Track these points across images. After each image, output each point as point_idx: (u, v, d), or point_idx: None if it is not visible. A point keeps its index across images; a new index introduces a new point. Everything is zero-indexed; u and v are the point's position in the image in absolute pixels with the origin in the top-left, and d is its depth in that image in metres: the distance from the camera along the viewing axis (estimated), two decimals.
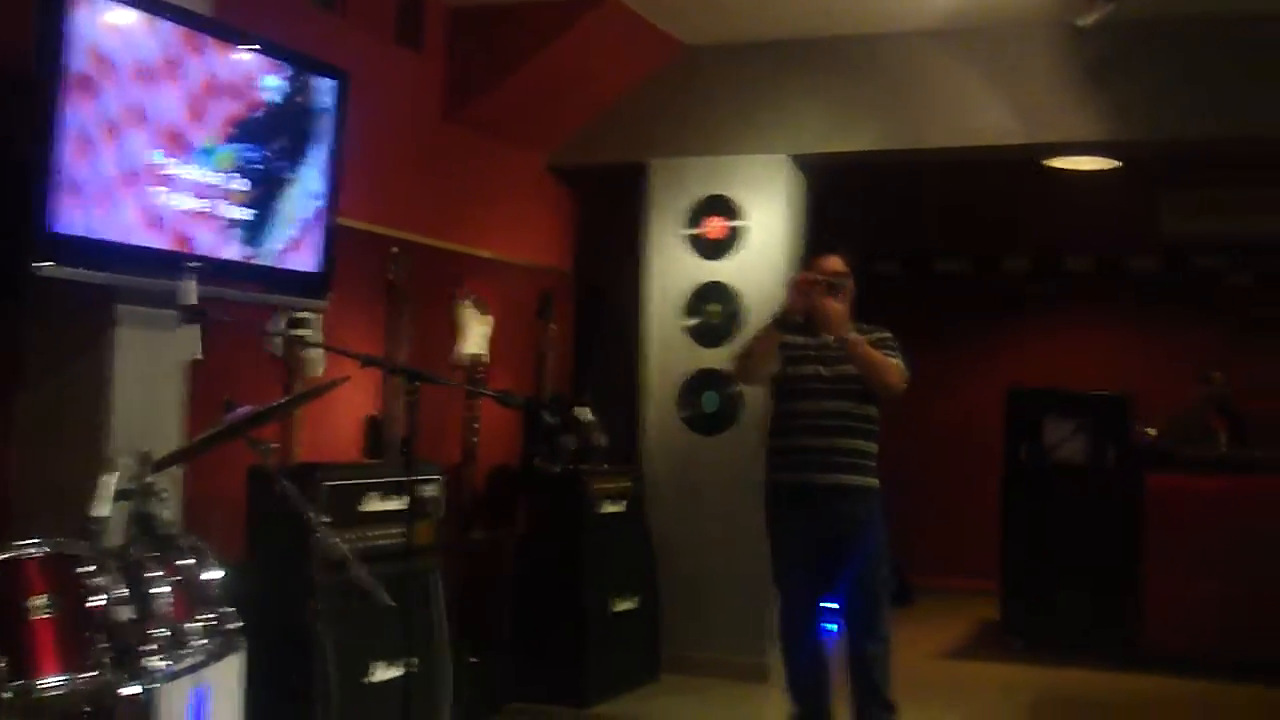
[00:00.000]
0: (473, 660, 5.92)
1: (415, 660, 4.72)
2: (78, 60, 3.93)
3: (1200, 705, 7.09)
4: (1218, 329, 10.09)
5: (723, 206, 7.42)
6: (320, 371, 5.49)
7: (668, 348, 7.48)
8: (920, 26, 6.98)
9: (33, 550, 3.23)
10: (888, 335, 5.48)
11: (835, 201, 7.64)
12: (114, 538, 3.68)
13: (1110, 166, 8.49)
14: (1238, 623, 7.49)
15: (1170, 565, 7.76)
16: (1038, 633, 8.34)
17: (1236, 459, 8.35)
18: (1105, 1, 6.07)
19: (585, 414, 7.18)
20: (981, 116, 7.00)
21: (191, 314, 4.38)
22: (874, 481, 5.44)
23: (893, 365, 5.37)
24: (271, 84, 4.78)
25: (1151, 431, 8.81)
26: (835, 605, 5.62)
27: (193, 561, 3.70)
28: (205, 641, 3.61)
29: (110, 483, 3.65)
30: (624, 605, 6.95)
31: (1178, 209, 9.86)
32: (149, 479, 3.78)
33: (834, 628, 5.79)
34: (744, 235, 7.39)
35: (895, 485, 5.70)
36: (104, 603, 3.26)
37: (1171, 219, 9.91)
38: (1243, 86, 6.65)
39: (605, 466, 7.11)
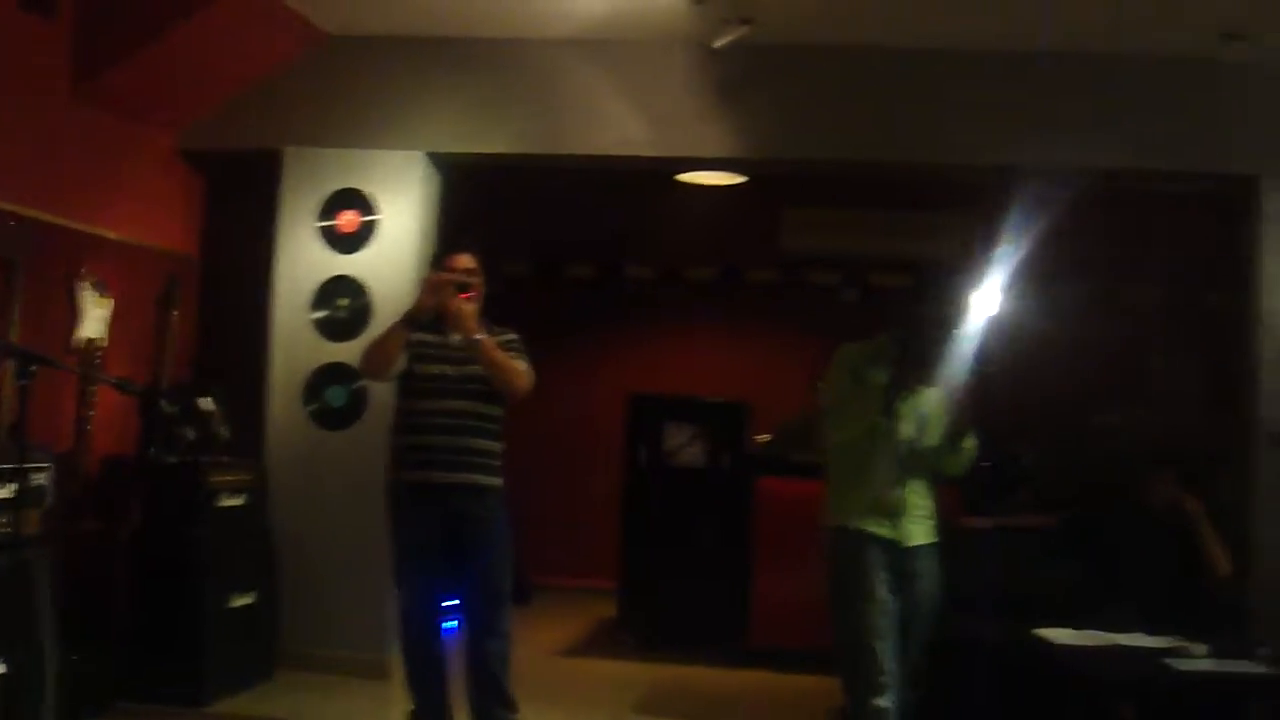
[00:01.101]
0: (76, 657, 5.67)
1: (14, 657, 4.51)
2: None
3: (794, 697, 7.46)
4: (830, 342, 10.56)
5: (356, 200, 7.34)
6: None
7: (295, 340, 7.36)
8: (562, 34, 7.10)
9: None
10: (515, 337, 5.56)
11: (470, 201, 7.67)
12: None
13: (736, 182, 8.83)
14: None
15: (775, 566, 8.11)
16: (653, 631, 8.61)
17: None
18: (738, 24, 6.32)
19: (207, 404, 6.98)
20: (617, 127, 7.18)
21: None
22: (497, 481, 5.50)
23: (519, 368, 5.45)
24: None
25: (764, 438, 9.19)
26: (456, 602, 5.67)
27: None
28: None
29: None
30: (242, 601, 6.78)
31: (797, 226, 10.29)
32: None
33: (454, 625, 5.83)
34: (377, 230, 7.33)
35: (519, 485, 5.78)
36: None
37: (791, 236, 10.34)
38: (862, 113, 7.08)
39: (226, 459, 6.93)
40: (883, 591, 4.71)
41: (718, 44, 6.42)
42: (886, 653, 4.65)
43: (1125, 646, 5.36)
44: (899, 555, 4.78)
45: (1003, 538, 7.42)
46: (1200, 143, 6.90)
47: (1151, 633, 5.48)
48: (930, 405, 4.82)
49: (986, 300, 4.86)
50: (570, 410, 10.98)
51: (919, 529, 4.85)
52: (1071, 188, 6.99)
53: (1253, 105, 6.87)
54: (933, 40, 6.56)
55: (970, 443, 4.87)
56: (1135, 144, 6.91)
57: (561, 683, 7.52)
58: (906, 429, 4.78)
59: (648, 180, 8.80)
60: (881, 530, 4.77)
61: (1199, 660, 5.10)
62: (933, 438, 4.85)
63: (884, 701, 4.62)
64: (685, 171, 8.56)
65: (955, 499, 8.07)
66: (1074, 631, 5.54)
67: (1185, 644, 5.21)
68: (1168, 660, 5.08)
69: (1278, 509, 6.71)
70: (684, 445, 8.86)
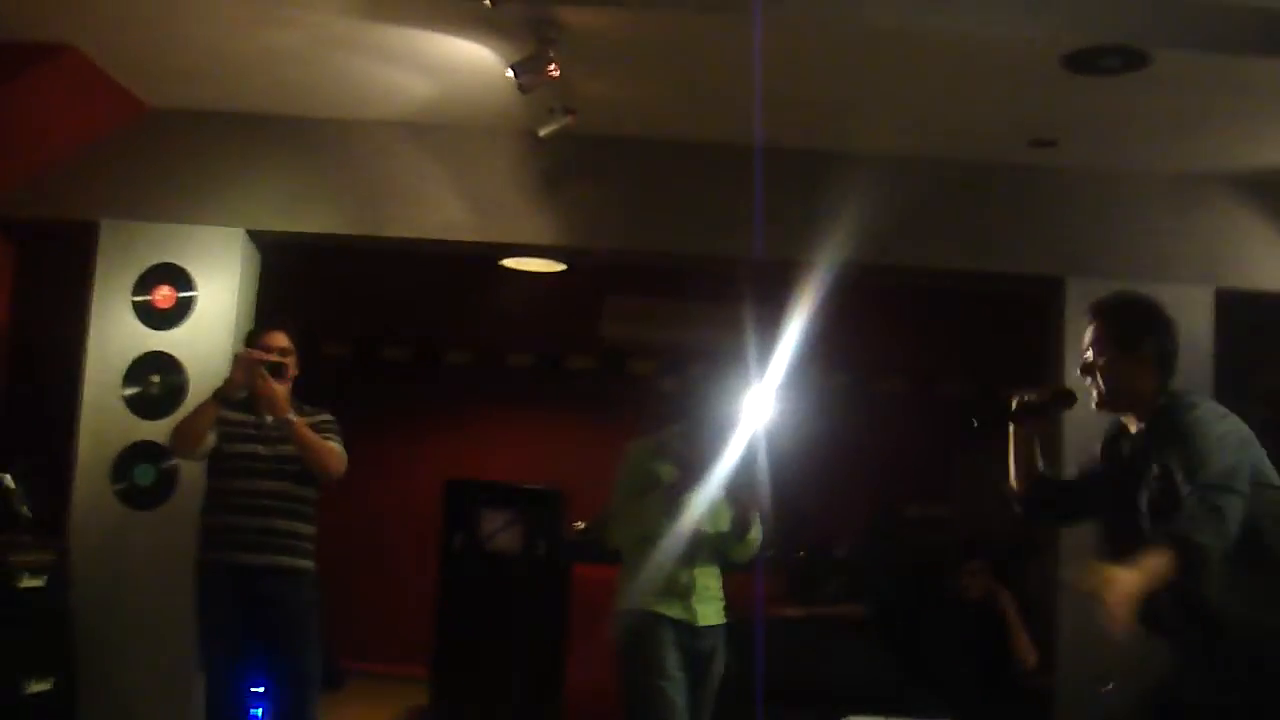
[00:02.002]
0: None
1: None
2: None
3: None
4: (648, 429, 10.63)
5: (173, 275, 7.20)
6: None
7: (105, 416, 7.15)
8: (388, 116, 7.10)
9: None
10: (329, 418, 5.51)
11: (290, 280, 7.59)
12: None
13: (558, 269, 8.89)
14: None
15: (589, 653, 8.07)
16: (465, 717, 8.50)
17: None
18: (563, 113, 6.39)
19: (7, 481, 6.76)
20: (441, 211, 7.20)
21: None
22: (308, 564, 5.43)
23: (332, 449, 5.40)
24: None
25: (581, 525, 9.19)
26: (263, 688, 5.55)
27: None
28: None
29: None
30: (38, 687, 6.53)
31: (617, 315, 10.38)
32: None
33: (261, 712, 5.70)
34: (193, 306, 7.20)
35: (331, 568, 5.70)
36: None
37: (610, 324, 10.42)
38: (682, 206, 7.21)
39: (27, 538, 6.69)
40: (674, 669, 4.84)
41: (543, 132, 6.48)
42: None
43: None
44: (690, 635, 4.91)
45: (815, 627, 7.52)
46: (1010, 245, 7.18)
47: None
48: (717, 494, 4.94)
49: (769, 394, 5.10)
50: (387, 494, 10.87)
51: (709, 609, 4.99)
52: (874, 283, 7.22)
53: (1059, 209, 7.17)
54: (745, 137, 6.72)
55: (756, 532, 5.02)
56: (948, 244, 7.17)
57: None
58: (694, 518, 4.91)
59: (470, 265, 8.82)
60: (672, 611, 4.90)
61: None
62: (720, 525, 4.99)
63: None
64: (507, 257, 8.59)
65: (759, 588, 8.18)
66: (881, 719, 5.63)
67: None
68: None
69: (1080, 602, 6.88)
70: (500, 531, 8.82)
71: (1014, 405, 4.05)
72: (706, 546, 5.00)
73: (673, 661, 4.86)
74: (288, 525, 5.37)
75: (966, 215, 7.21)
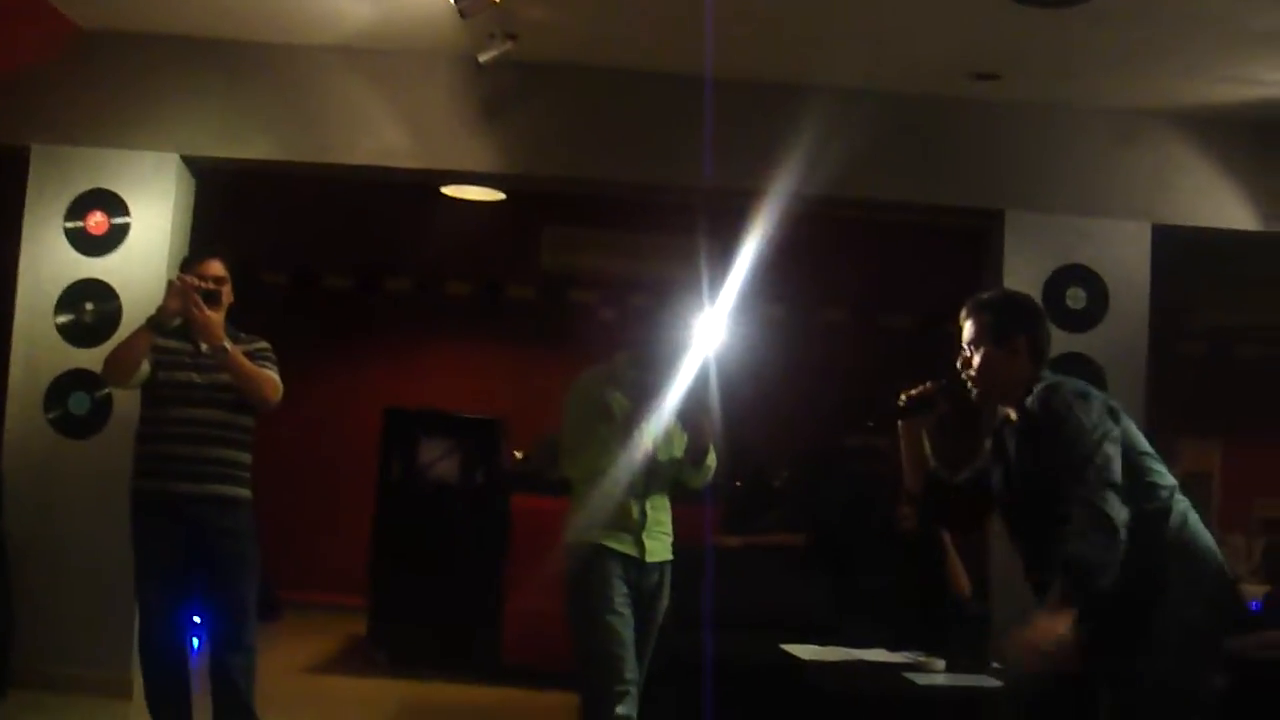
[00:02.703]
0: None
1: None
2: None
3: (545, 713, 7.47)
4: (588, 359, 10.63)
5: (106, 201, 7.09)
6: None
7: (37, 345, 7.05)
8: (327, 41, 7.00)
9: None
10: (265, 346, 5.45)
11: (227, 207, 7.50)
12: None
13: (498, 198, 8.84)
14: None
15: (529, 583, 8.10)
16: (404, 647, 8.50)
17: None
18: (504, 39, 6.33)
19: None
20: (379, 137, 7.12)
21: None
22: (245, 492, 5.38)
23: (267, 377, 5.34)
24: None
25: (520, 455, 9.19)
26: (199, 618, 5.52)
27: None
28: None
29: None
30: None
31: (556, 245, 10.35)
32: None
33: (197, 641, 5.68)
34: (127, 233, 7.10)
35: (268, 497, 5.67)
36: None
37: (550, 254, 10.39)
38: (622, 134, 7.17)
39: None
40: (622, 603, 4.85)
41: (483, 58, 6.41)
42: (627, 662, 4.80)
43: (867, 662, 5.52)
44: (638, 570, 4.93)
45: (753, 556, 7.57)
46: (952, 178, 7.21)
47: (893, 649, 5.67)
48: (670, 422, 4.95)
49: (719, 324, 5.09)
50: (325, 423, 10.82)
51: (658, 545, 5.00)
52: (820, 215, 7.22)
53: (1001, 142, 7.20)
54: (690, 67, 6.67)
55: (712, 458, 5.04)
56: (893, 177, 7.18)
57: (311, 701, 7.39)
58: (647, 446, 4.91)
59: (410, 193, 8.75)
60: (622, 546, 4.91)
61: (936, 675, 5.29)
62: (674, 452, 5.02)
63: (624, 709, 4.75)
64: (447, 185, 8.53)
65: (707, 518, 8.22)
66: (819, 648, 5.69)
67: (925, 659, 5.40)
68: (907, 675, 5.25)
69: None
70: (439, 460, 8.80)
71: (900, 401, 4.12)
72: (661, 475, 5.00)
73: (621, 596, 4.86)
74: (224, 453, 5.31)
75: (911, 148, 7.22)
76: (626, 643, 4.82)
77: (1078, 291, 7.11)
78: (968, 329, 4.00)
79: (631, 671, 4.80)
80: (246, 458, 5.40)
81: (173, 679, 5.38)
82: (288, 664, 8.16)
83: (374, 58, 7.10)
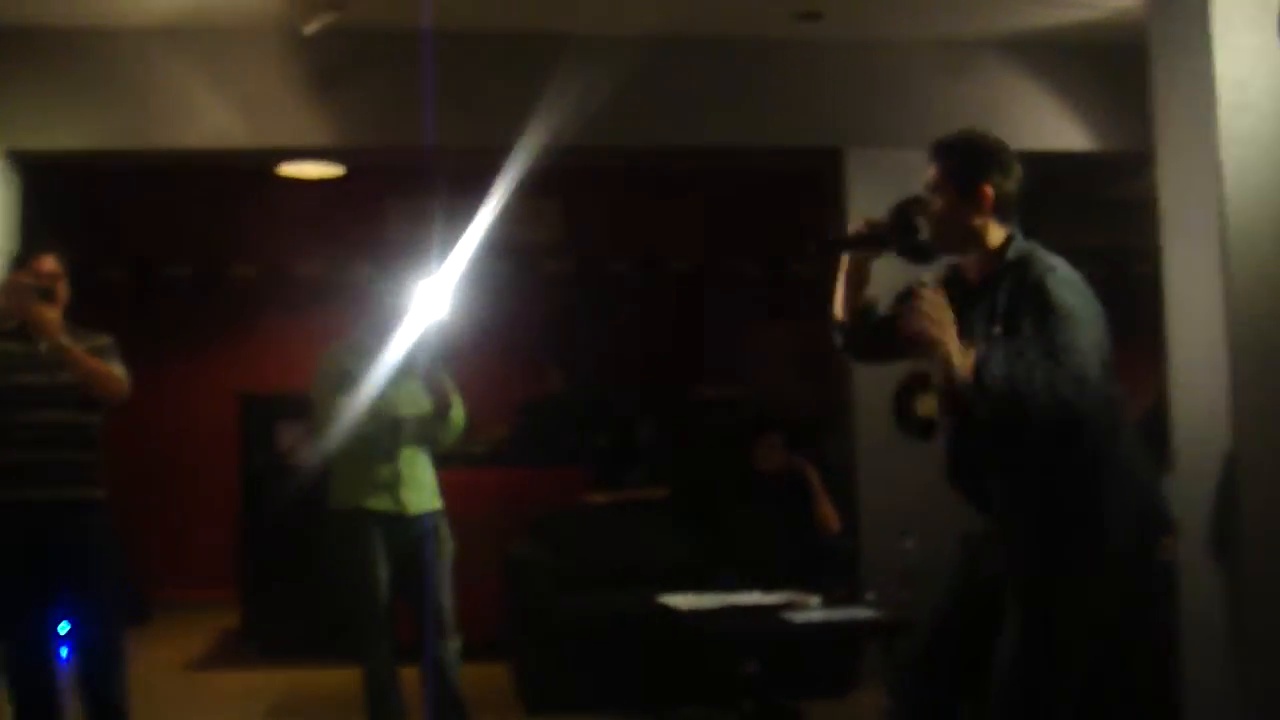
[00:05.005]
0: None
1: None
2: None
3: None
4: None
5: None
6: None
7: None
8: (145, 24, 6.79)
9: None
10: (106, 341, 5.30)
11: (59, 203, 7.28)
12: None
13: (337, 174, 8.70)
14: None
15: None
16: (277, 637, 8.39)
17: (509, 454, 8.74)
18: (328, 10, 6.21)
19: None
20: (209, 118, 6.93)
21: None
22: (100, 493, 5.24)
23: (111, 372, 5.21)
24: None
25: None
26: (66, 629, 5.39)
27: None
28: None
29: None
30: None
31: (403, 215, 10.24)
32: None
33: (65, 651, 5.54)
34: None
35: (128, 497, 5.55)
36: None
37: (398, 226, 10.28)
38: (466, 98, 7.03)
39: None
40: (381, 568, 5.22)
41: (308, 30, 6.29)
42: (384, 616, 5.24)
43: (743, 605, 5.58)
44: (401, 525, 5.25)
45: (623, 511, 7.60)
46: (784, 119, 7.23)
47: (768, 590, 5.73)
48: (410, 381, 5.28)
49: (448, 285, 5.41)
50: (180, 416, 10.60)
51: (419, 496, 5.33)
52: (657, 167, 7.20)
53: (832, 81, 7.24)
54: (523, 25, 6.61)
55: (458, 412, 5.35)
56: (720, 122, 7.18)
57: (189, 698, 7.29)
58: (394, 407, 5.24)
59: (247, 176, 8.60)
60: (381, 504, 5.23)
61: (813, 611, 5.36)
62: (421, 408, 5.30)
63: (383, 654, 5.28)
64: (282, 162, 8.38)
65: (576, 476, 8.23)
66: (695, 596, 5.74)
67: (799, 597, 5.47)
68: (784, 614, 5.32)
69: (878, 468, 7.07)
70: (299, 443, 8.66)
71: (851, 231, 3.96)
72: (410, 432, 5.28)
73: (381, 559, 5.19)
74: (75, 456, 5.16)
75: (736, 92, 7.20)
76: (382, 599, 5.22)
77: (921, 224, 7.17)
78: (930, 173, 3.73)
79: (387, 622, 5.24)
80: (96, 458, 5.26)
81: (41, 694, 5.22)
82: (163, 663, 8.02)
83: (197, 37, 6.89)
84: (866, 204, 7.13)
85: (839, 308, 3.97)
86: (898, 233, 3.77)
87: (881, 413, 7.03)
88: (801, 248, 8.15)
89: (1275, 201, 4.41)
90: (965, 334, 3.42)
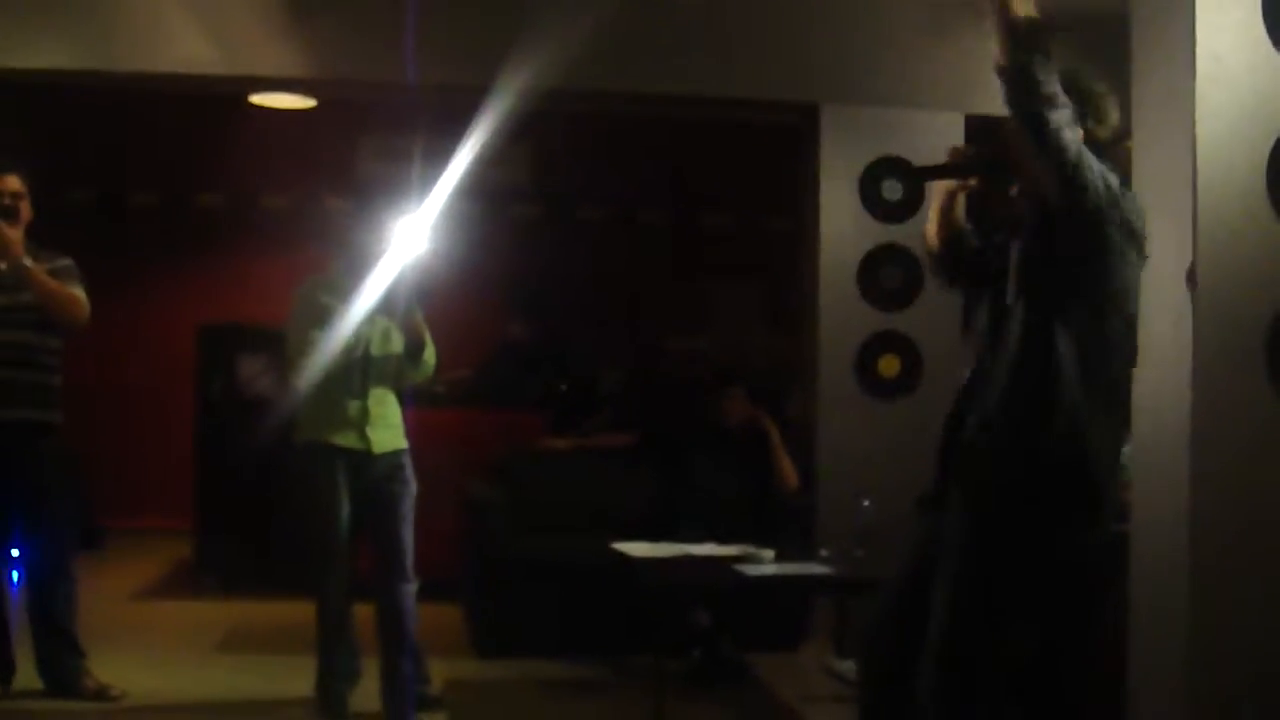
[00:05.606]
0: None
1: None
2: None
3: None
4: None
5: None
6: None
7: None
8: None
9: None
10: (68, 263, 5.27)
11: (23, 123, 7.19)
12: None
13: (308, 106, 8.61)
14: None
15: None
16: (232, 569, 8.35)
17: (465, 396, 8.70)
18: None
19: None
20: (180, 43, 6.80)
21: None
22: (56, 417, 5.25)
23: (72, 295, 5.17)
24: None
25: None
26: (15, 549, 5.38)
27: None
28: None
29: None
30: None
31: (374, 152, 10.16)
32: None
33: (16, 574, 5.53)
34: None
35: (85, 424, 5.52)
36: None
37: (367, 162, 10.21)
38: (445, 36, 6.93)
39: None
40: (343, 504, 5.16)
41: None
42: (342, 551, 5.20)
43: (698, 556, 5.59)
44: (365, 462, 5.19)
45: (583, 458, 7.59)
46: (761, 72, 7.18)
47: (722, 542, 5.74)
48: (384, 320, 5.25)
49: (427, 223, 5.34)
50: (140, 344, 10.50)
51: (385, 436, 5.27)
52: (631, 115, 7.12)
53: (811, 35, 7.18)
54: None
55: (430, 353, 5.33)
56: (696, 71, 7.11)
57: (140, 627, 7.23)
58: (366, 344, 5.21)
59: (218, 104, 8.48)
60: (347, 440, 5.17)
61: (766, 565, 5.37)
62: (392, 347, 5.29)
63: (338, 586, 5.24)
64: (254, 93, 8.28)
65: (537, 421, 8.22)
66: (650, 545, 5.74)
67: (754, 551, 5.48)
68: (738, 567, 5.32)
69: (838, 425, 7.09)
70: (258, 376, 8.60)
71: (950, 158, 4.01)
72: (381, 371, 5.26)
73: (344, 495, 5.15)
74: (32, 377, 5.14)
75: (716, 42, 7.12)
76: (341, 534, 5.16)
77: (894, 184, 7.15)
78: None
79: (345, 558, 5.20)
80: (57, 380, 5.24)
81: None
82: (114, 592, 7.98)
83: None
84: (842, 161, 7.15)
85: (930, 236, 4.06)
86: (982, 162, 3.93)
87: (845, 371, 7.09)
88: (773, 203, 8.11)
89: (1246, 175, 4.41)
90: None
